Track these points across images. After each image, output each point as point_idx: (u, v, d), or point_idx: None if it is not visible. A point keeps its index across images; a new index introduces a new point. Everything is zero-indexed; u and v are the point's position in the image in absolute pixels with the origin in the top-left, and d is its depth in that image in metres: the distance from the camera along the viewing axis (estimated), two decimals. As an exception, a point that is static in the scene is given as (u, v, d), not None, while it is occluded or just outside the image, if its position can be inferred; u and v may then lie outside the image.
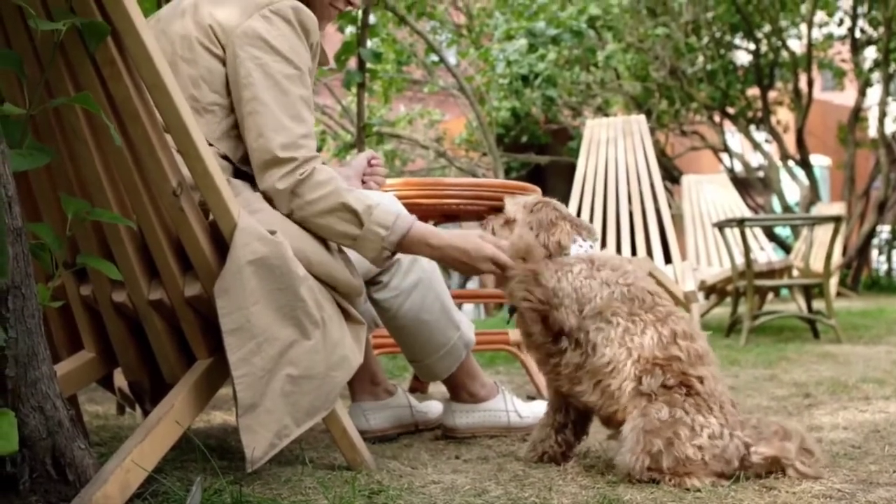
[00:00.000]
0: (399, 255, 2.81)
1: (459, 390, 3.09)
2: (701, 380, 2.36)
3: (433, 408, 3.29)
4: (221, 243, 2.28)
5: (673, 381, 2.35)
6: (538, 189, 3.69)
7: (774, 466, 2.34)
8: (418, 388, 3.90)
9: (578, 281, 2.50)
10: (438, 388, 3.65)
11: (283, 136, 2.43)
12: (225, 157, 2.52)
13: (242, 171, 2.54)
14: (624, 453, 2.33)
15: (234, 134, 2.53)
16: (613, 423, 2.47)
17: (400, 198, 2.99)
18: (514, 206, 2.69)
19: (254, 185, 2.51)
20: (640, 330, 2.40)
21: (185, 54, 2.50)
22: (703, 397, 2.33)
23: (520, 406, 3.13)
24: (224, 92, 2.51)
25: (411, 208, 2.94)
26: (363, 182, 3.03)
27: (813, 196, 15.47)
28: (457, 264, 2.58)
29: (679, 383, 2.35)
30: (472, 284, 14.90)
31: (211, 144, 2.47)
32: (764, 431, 2.38)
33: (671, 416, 2.30)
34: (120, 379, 2.71)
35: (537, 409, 3.12)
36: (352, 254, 2.61)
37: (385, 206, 2.52)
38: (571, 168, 6.66)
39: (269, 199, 2.46)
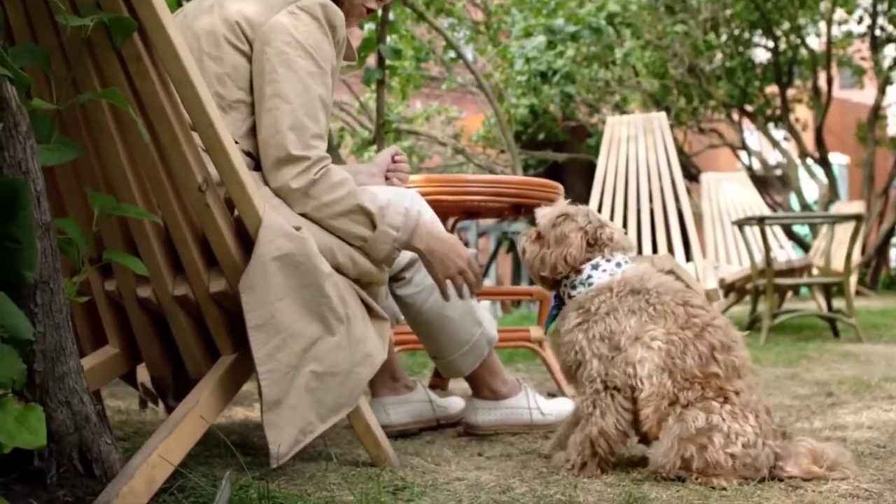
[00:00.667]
0: None
1: (482, 387, 3.09)
2: (737, 393, 2.35)
3: (454, 403, 3.29)
4: (246, 239, 2.28)
5: (712, 394, 2.34)
6: (560, 186, 3.68)
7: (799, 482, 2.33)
8: (438, 385, 3.90)
9: (602, 323, 2.48)
10: (459, 385, 3.64)
11: (299, 134, 2.43)
12: (249, 155, 2.52)
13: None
14: (657, 455, 2.33)
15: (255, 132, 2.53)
16: (651, 433, 2.45)
17: (421, 194, 2.99)
18: (542, 219, 2.66)
19: None
20: (681, 351, 2.37)
21: (212, 51, 2.51)
22: (738, 407, 2.32)
23: (542, 403, 3.12)
24: (249, 89, 2.52)
25: (433, 205, 2.94)
26: (387, 178, 3.03)
27: (832, 194, 15.40)
28: (444, 258, 2.62)
29: (716, 395, 2.34)
30: (489, 282, 14.89)
31: (236, 142, 2.47)
32: (795, 449, 2.36)
33: (707, 423, 2.29)
34: (143, 374, 2.72)
35: (560, 407, 3.12)
36: None
37: (394, 204, 2.53)
38: (589, 166, 6.66)
39: (280, 196, 2.46)
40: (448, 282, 2.66)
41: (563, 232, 2.56)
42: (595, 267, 2.54)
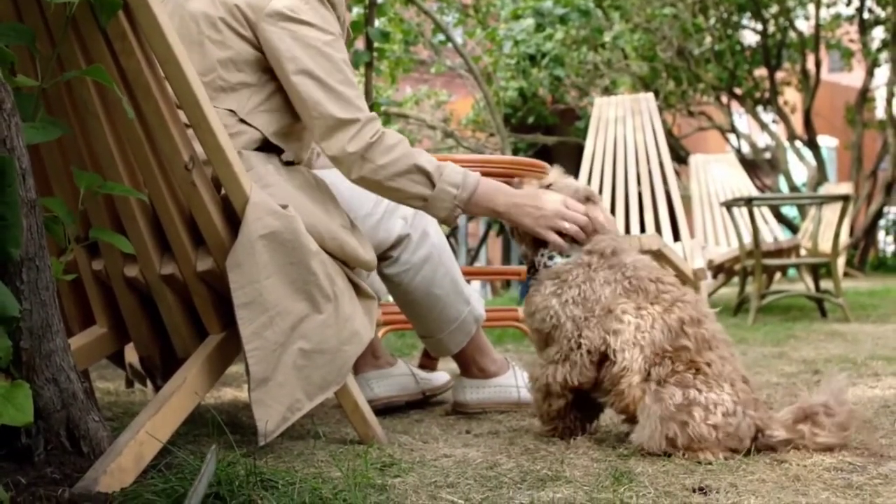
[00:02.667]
0: (408, 231, 2.83)
1: (470, 366, 3.10)
2: (709, 364, 2.37)
3: (438, 376, 3.31)
4: (233, 218, 2.28)
5: (682, 367, 2.36)
6: (548, 166, 3.68)
7: (789, 446, 2.35)
8: (428, 365, 3.90)
9: (576, 288, 2.51)
10: (447, 365, 3.65)
11: (340, 100, 2.46)
12: (258, 131, 2.52)
13: (273, 145, 2.55)
14: (641, 438, 2.35)
15: (266, 108, 2.54)
16: (627, 413, 2.48)
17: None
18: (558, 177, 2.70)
19: (273, 157, 2.52)
20: (650, 325, 2.40)
21: (213, 35, 2.50)
22: (712, 378, 2.34)
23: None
24: (250, 71, 2.52)
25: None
26: None
27: (820, 177, 15.46)
28: (527, 218, 2.58)
29: (687, 368, 2.36)
30: (480, 263, 14.91)
31: (242, 120, 2.48)
32: (781, 416, 2.39)
33: (685, 399, 2.31)
34: (131, 355, 2.72)
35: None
36: (362, 228, 2.63)
37: (451, 165, 2.56)
38: (578, 149, 6.65)
39: (337, 164, 2.51)
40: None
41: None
42: (579, 243, 2.59)
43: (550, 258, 2.59)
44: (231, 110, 2.48)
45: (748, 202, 6.84)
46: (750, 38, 17.07)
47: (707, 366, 2.36)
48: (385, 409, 3.08)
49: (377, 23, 6.24)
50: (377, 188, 2.52)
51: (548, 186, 2.67)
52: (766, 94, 16.26)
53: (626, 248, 2.58)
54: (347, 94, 2.48)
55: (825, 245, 8.57)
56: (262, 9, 2.49)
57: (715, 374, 2.35)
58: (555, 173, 2.75)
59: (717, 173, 9.33)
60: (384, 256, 2.88)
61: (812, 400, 2.40)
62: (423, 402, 3.25)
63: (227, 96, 2.49)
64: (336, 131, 2.46)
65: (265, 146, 2.53)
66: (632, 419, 2.47)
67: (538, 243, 2.63)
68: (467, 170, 2.58)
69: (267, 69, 2.53)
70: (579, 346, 2.47)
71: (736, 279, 8.56)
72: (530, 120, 15.70)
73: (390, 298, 3.10)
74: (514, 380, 3.11)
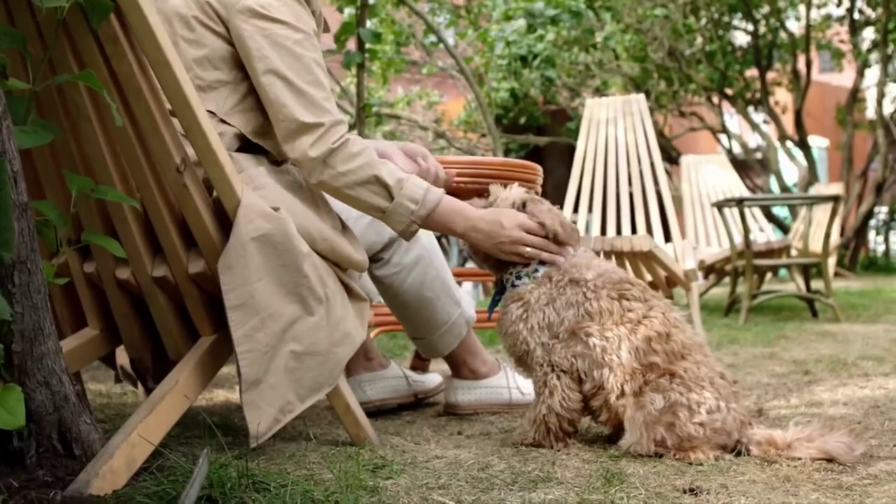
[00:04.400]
0: None
1: (461, 367, 3.10)
2: (684, 370, 2.38)
3: (430, 378, 3.32)
4: (225, 220, 2.29)
5: (654, 376, 2.38)
6: (539, 168, 3.69)
7: (769, 447, 2.35)
8: (419, 366, 3.91)
9: (540, 313, 2.52)
10: (439, 367, 3.66)
11: (306, 102, 2.43)
12: (237, 132, 2.51)
13: (254, 144, 2.54)
14: (628, 444, 2.37)
15: (242, 108, 2.53)
16: (611, 425, 2.51)
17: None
18: (502, 200, 2.66)
19: (262, 159, 2.52)
20: (616, 346, 2.41)
21: (186, 34, 2.50)
22: (688, 381, 2.35)
23: (521, 383, 3.14)
24: (226, 68, 2.51)
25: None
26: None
27: (811, 177, 15.48)
28: (487, 239, 2.55)
29: (660, 376, 2.38)
30: (471, 264, 14.91)
31: (223, 120, 2.48)
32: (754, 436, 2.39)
33: (666, 402, 2.33)
34: (122, 357, 2.73)
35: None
36: (354, 230, 2.63)
37: (415, 179, 2.53)
38: (570, 149, 6.66)
39: (299, 166, 2.48)
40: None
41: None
42: (542, 262, 2.58)
43: (518, 277, 2.59)
44: (210, 112, 2.47)
45: (739, 203, 6.86)
46: (741, 38, 17.10)
47: (683, 371, 2.37)
48: (377, 412, 3.08)
49: (369, 24, 6.23)
50: (336, 194, 2.50)
51: (490, 204, 2.66)
52: (757, 95, 16.29)
53: (589, 262, 2.56)
54: (315, 95, 2.45)
55: (816, 245, 8.59)
56: (234, 5, 2.47)
57: (692, 377, 2.36)
58: (494, 189, 2.72)
59: (709, 174, 9.35)
60: (375, 258, 2.89)
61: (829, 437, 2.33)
62: (416, 403, 3.26)
63: (206, 96, 2.48)
64: (299, 134, 2.44)
65: (246, 146, 2.52)
66: (617, 430, 2.49)
67: (501, 263, 2.63)
68: (433, 187, 2.55)
69: (242, 66, 2.52)
70: (553, 370, 2.49)
71: (727, 279, 8.58)
72: (522, 121, 15.70)
73: (382, 300, 3.10)
74: (505, 381, 3.12)
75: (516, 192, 2.66)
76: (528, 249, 2.55)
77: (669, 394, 2.33)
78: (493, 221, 2.56)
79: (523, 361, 2.58)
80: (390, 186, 2.47)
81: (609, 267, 2.57)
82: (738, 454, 2.34)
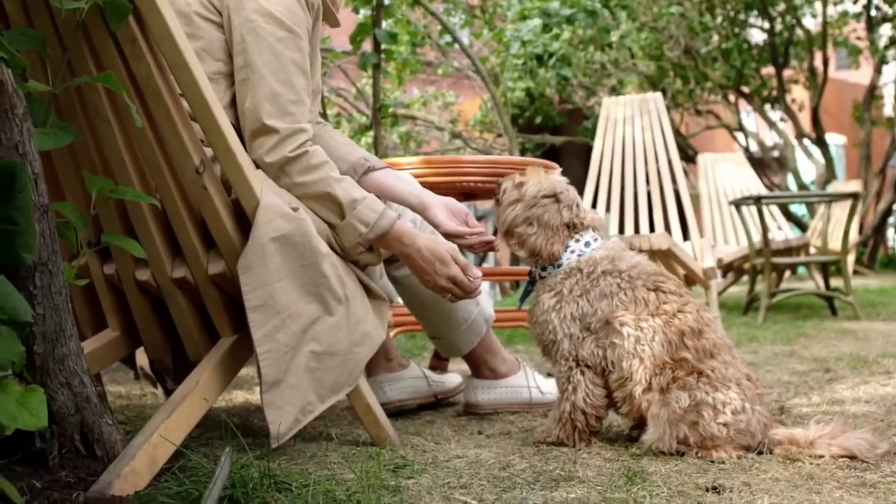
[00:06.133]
0: None
1: (481, 367, 3.10)
2: (712, 369, 2.37)
3: (450, 378, 3.31)
4: (244, 220, 2.29)
5: (683, 373, 2.37)
6: (556, 166, 3.68)
7: (790, 445, 2.33)
8: (438, 366, 3.91)
9: (573, 304, 2.51)
10: (458, 367, 3.66)
11: (272, 103, 2.41)
12: (234, 127, 2.50)
13: None
14: (651, 441, 2.36)
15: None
16: (632, 418, 2.50)
17: (418, 176, 2.98)
18: (531, 185, 2.63)
19: None
20: (650, 337, 2.40)
21: (185, 29, 2.48)
22: (715, 381, 2.34)
23: (541, 382, 3.13)
24: (226, 58, 2.50)
25: (429, 187, 2.93)
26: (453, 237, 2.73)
27: (829, 174, 15.41)
28: (425, 266, 2.54)
29: (688, 374, 2.37)
30: (489, 264, 14.89)
31: None
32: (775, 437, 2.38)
33: (692, 401, 2.32)
34: (142, 358, 2.73)
35: (559, 384, 3.13)
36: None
37: (371, 202, 2.48)
38: (586, 149, 6.64)
39: (258, 167, 2.44)
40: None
41: (549, 221, 2.56)
42: (566, 249, 2.57)
43: (543, 269, 2.60)
44: None
45: (757, 201, 6.83)
46: (757, 36, 17.04)
47: (710, 371, 2.37)
48: (397, 412, 3.08)
49: (384, 24, 6.23)
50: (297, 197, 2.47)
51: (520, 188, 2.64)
52: (774, 93, 16.21)
53: (621, 254, 2.56)
54: (284, 97, 2.42)
55: (835, 243, 8.56)
56: None
57: (719, 377, 2.36)
58: (532, 171, 2.69)
59: (726, 172, 9.31)
60: (393, 258, 2.88)
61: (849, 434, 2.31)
62: (436, 404, 3.26)
63: None
64: (259, 136, 2.41)
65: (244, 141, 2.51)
66: (639, 424, 2.48)
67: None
68: (389, 212, 2.50)
69: None
70: (577, 364, 2.48)
71: (745, 278, 8.55)
72: (538, 120, 15.68)
73: (400, 301, 3.10)
74: (525, 380, 3.11)
75: (552, 180, 2.64)
76: (455, 291, 2.56)
77: (695, 392, 2.33)
78: (436, 257, 2.53)
79: (549, 351, 2.57)
80: (343, 206, 2.43)
81: (641, 259, 2.56)
82: (760, 453, 2.33)
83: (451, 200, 2.73)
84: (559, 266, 2.56)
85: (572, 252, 2.56)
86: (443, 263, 2.53)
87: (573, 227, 2.58)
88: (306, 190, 2.43)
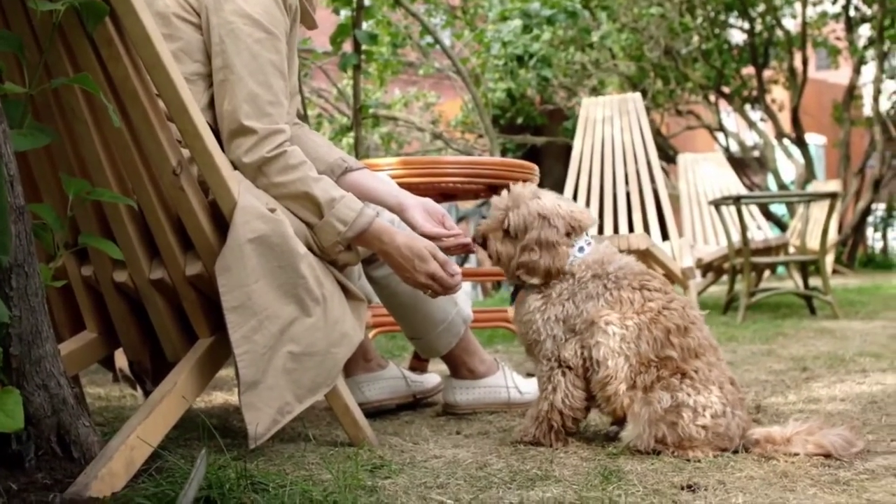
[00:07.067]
0: None
1: (459, 367, 3.11)
2: (696, 371, 2.38)
3: (429, 378, 3.32)
4: (222, 222, 2.29)
5: (667, 373, 2.38)
6: (536, 167, 3.69)
7: (767, 444, 2.35)
8: (418, 367, 3.91)
9: (560, 306, 2.52)
10: (438, 367, 3.66)
11: (250, 104, 2.41)
12: (210, 128, 2.51)
13: None
14: (629, 438, 2.38)
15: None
16: (615, 416, 2.51)
17: (396, 177, 2.99)
18: (513, 216, 2.60)
19: None
20: (635, 336, 2.41)
21: (163, 30, 2.48)
22: (698, 382, 2.36)
23: (520, 382, 3.14)
24: (204, 60, 2.50)
25: (408, 188, 2.94)
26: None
27: (808, 174, 15.48)
28: (404, 264, 2.55)
29: (672, 374, 2.38)
30: (470, 264, 14.91)
31: None
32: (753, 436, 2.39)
33: (673, 402, 2.33)
34: (121, 360, 2.73)
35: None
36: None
37: (349, 200, 2.49)
38: (567, 149, 6.66)
39: (236, 168, 2.44)
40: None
41: (549, 239, 2.53)
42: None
43: None
44: None
45: (736, 200, 6.86)
46: (737, 36, 17.11)
47: (694, 372, 2.38)
48: (376, 412, 3.08)
49: (365, 25, 6.24)
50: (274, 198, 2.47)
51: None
52: (754, 93, 16.29)
53: (611, 257, 2.55)
54: (262, 98, 2.43)
55: (814, 243, 8.61)
56: None
57: (702, 379, 2.37)
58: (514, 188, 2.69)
59: (706, 172, 9.35)
60: (371, 259, 2.88)
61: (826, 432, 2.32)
62: (414, 404, 3.26)
63: None
64: (237, 136, 2.42)
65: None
66: (619, 421, 2.49)
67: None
68: (367, 210, 2.51)
69: None
70: (559, 365, 2.50)
71: (725, 277, 8.58)
72: (519, 121, 15.69)
73: (379, 301, 3.10)
74: (503, 380, 3.12)
75: (529, 204, 2.61)
76: (435, 288, 2.58)
77: (677, 394, 2.34)
78: (415, 254, 2.54)
79: (531, 351, 2.58)
80: (321, 205, 2.44)
81: (629, 260, 2.57)
82: (736, 452, 2.35)
83: (428, 201, 2.74)
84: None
85: (578, 250, 2.57)
86: (422, 260, 2.54)
87: (570, 234, 2.56)
88: (284, 190, 2.43)
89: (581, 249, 2.56)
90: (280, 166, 2.42)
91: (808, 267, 7.41)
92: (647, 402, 2.36)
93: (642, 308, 2.44)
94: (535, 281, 2.56)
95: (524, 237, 2.55)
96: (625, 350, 2.40)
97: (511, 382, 3.12)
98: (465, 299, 3.07)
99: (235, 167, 2.42)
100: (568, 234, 2.55)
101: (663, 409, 2.33)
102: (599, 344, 2.43)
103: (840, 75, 20.24)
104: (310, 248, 2.41)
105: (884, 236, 19.51)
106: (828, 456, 2.26)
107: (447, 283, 2.58)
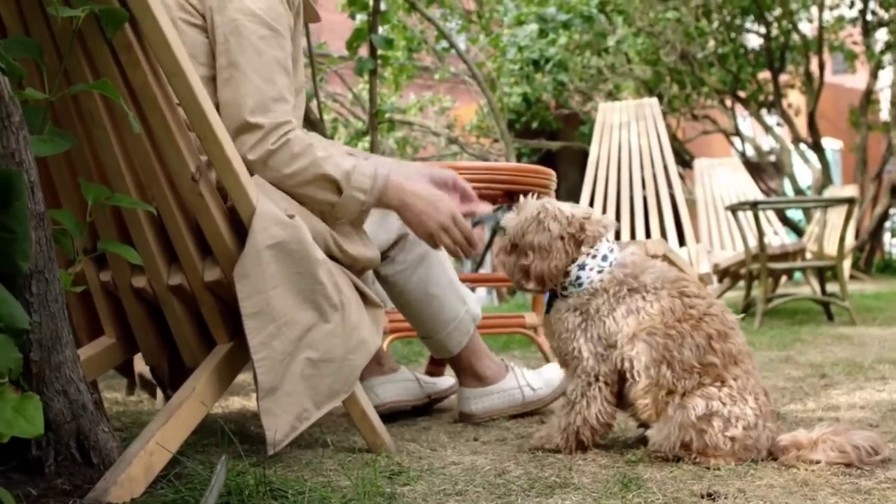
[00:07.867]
0: (406, 231, 2.86)
1: (466, 374, 3.08)
2: (735, 378, 2.37)
3: (442, 380, 3.32)
4: (240, 228, 2.29)
5: (709, 381, 2.37)
6: (552, 172, 3.69)
7: (793, 449, 2.33)
8: (434, 373, 3.91)
9: (601, 324, 2.49)
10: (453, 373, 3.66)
11: (254, 100, 2.42)
12: None
13: None
14: (657, 438, 2.37)
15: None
16: (650, 420, 2.48)
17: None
18: (509, 226, 2.58)
19: None
20: (678, 344, 2.38)
21: None
22: (736, 391, 2.34)
23: (531, 378, 3.11)
24: (210, 63, 2.51)
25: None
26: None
27: (825, 179, 15.43)
28: (419, 214, 2.59)
29: (713, 382, 2.36)
30: (484, 270, 14.91)
31: None
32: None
33: (707, 410, 2.32)
34: (140, 365, 2.73)
35: (548, 376, 3.12)
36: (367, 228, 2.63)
37: (361, 167, 2.51)
38: (583, 154, 6.65)
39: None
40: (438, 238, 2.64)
41: (541, 242, 2.51)
42: (582, 267, 2.51)
43: (564, 288, 2.53)
44: None
45: (753, 206, 6.84)
46: (753, 41, 17.05)
47: (734, 380, 2.36)
48: (391, 415, 3.08)
49: (381, 30, 6.24)
50: (287, 191, 2.47)
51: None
52: (770, 97, 16.24)
53: (643, 265, 2.51)
54: (266, 93, 2.43)
55: (831, 248, 8.56)
56: None
57: (740, 387, 2.35)
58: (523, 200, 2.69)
59: (722, 177, 9.32)
60: (383, 256, 2.88)
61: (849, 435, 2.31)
62: (429, 406, 3.26)
63: None
64: (241, 133, 2.42)
65: None
66: (646, 425, 2.49)
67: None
68: (377, 169, 2.53)
69: None
70: (597, 380, 2.47)
71: (742, 283, 8.54)
72: (534, 125, 15.68)
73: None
74: (515, 381, 3.09)
75: (529, 206, 2.60)
76: (446, 240, 2.61)
77: (712, 402, 2.32)
78: (430, 203, 2.60)
79: (567, 363, 2.56)
80: (338, 181, 2.46)
81: (662, 267, 2.54)
82: (755, 460, 2.33)
83: (434, 171, 2.77)
84: (581, 286, 2.51)
85: (591, 269, 2.50)
86: (439, 209, 2.60)
87: (579, 242, 2.53)
88: (299, 178, 2.45)
89: (605, 258, 2.51)
90: (288, 156, 2.43)
91: (826, 273, 7.38)
92: (682, 405, 2.35)
93: (684, 315, 2.42)
94: (531, 286, 2.55)
95: (520, 244, 2.55)
96: (667, 357, 2.38)
97: (523, 381, 3.10)
98: (473, 298, 3.07)
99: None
100: (574, 239, 2.52)
101: (696, 416, 2.32)
102: (641, 354, 2.40)
103: (857, 80, 20.16)
104: (328, 254, 2.41)
105: (901, 242, 19.41)
106: (849, 465, 2.24)
107: (465, 228, 2.62)
